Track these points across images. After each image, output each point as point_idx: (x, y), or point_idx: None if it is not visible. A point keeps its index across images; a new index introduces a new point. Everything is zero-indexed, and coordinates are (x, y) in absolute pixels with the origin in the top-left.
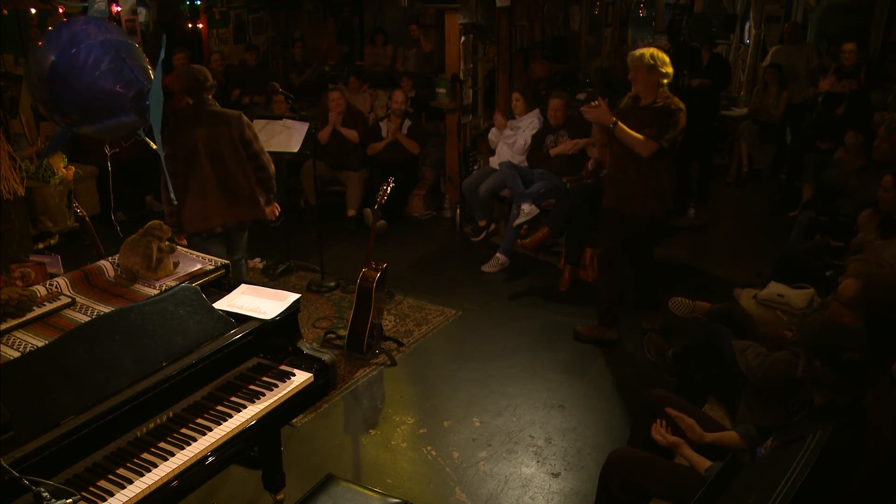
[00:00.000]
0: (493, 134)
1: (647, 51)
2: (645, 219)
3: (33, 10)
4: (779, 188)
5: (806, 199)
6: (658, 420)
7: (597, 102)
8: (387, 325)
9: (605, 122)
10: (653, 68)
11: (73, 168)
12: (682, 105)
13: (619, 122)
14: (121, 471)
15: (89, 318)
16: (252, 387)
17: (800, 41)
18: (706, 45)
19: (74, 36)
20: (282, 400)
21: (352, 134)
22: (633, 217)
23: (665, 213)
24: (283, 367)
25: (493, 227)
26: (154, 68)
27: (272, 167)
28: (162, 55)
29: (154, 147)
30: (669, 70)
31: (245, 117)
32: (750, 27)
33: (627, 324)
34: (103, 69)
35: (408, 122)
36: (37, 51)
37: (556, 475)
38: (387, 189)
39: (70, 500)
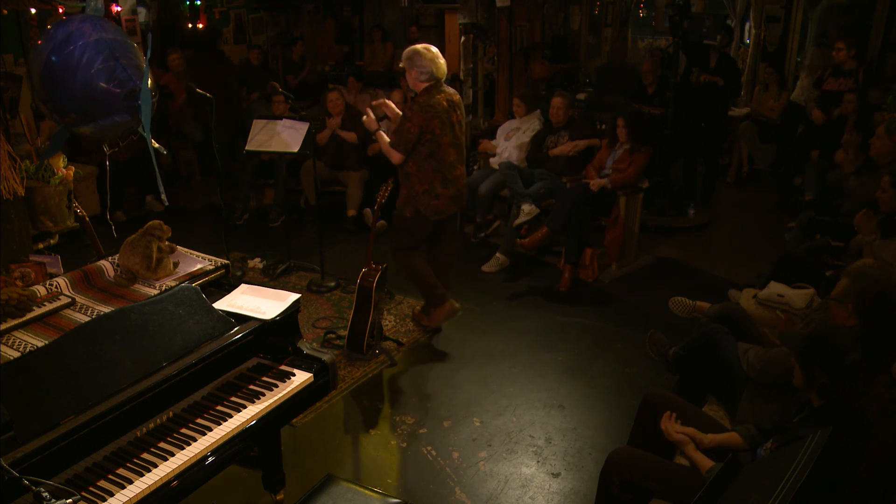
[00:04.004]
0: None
1: (414, 46)
2: (401, 216)
3: (33, 10)
4: (779, 185)
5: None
6: (668, 413)
7: (367, 115)
8: (387, 325)
9: (371, 129)
10: (411, 63)
11: (73, 168)
12: (422, 106)
13: (379, 132)
14: (121, 471)
15: (89, 318)
16: (252, 387)
17: None
18: (715, 45)
19: (70, 35)
20: (282, 400)
21: (351, 136)
22: (397, 210)
23: (417, 217)
24: (283, 367)
25: (496, 224)
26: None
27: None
28: (149, 55)
29: (157, 147)
30: (432, 67)
31: None
32: (750, 27)
33: (628, 324)
34: (97, 68)
35: None
36: (35, 50)
37: (556, 475)
38: (387, 189)
39: (70, 500)
